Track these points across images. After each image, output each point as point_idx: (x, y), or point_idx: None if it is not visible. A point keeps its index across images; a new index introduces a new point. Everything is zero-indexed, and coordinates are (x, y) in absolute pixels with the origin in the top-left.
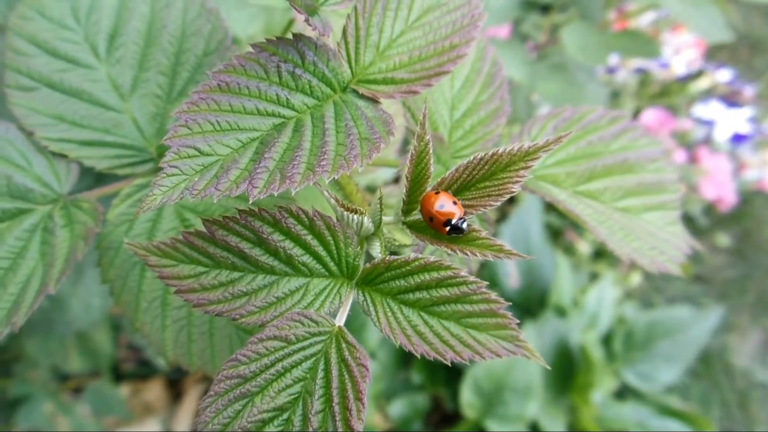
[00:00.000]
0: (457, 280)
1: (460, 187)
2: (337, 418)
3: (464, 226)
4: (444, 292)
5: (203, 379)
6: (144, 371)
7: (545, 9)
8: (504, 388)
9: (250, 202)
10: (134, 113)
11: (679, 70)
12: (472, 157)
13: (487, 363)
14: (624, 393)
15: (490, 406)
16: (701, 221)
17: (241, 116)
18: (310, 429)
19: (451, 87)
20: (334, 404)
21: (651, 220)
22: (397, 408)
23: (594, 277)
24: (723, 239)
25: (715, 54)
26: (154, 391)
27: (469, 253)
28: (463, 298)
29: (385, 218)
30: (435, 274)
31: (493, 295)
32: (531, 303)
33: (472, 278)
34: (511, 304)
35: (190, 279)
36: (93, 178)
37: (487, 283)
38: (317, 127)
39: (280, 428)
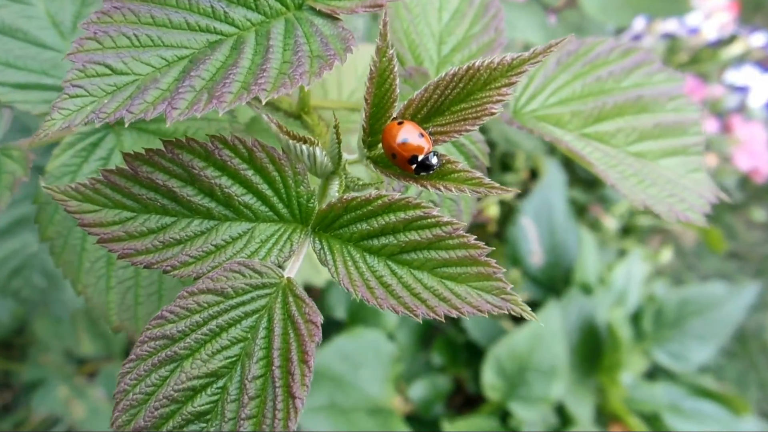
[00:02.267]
0: (429, 221)
1: (432, 110)
2: (278, 384)
3: (434, 161)
4: (414, 236)
5: None
6: None
7: None
8: (527, 369)
9: (168, 124)
10: None
11: (710, 35)
12: (443, 74)
13: (510, 342)
14: (655, 373)
15: (513, 388)
16: (736, 195)
17: (166, 30)
18: (246, 397)
19: (438, 19)
20: (274, 368)
21: (670, 166)
22: (418, 390)
23: (622, 254)
24: (759, 214)
25: (749, 17)
26: None
27: (442, 188)
28: (437, 242)
29: (349, 156)
30: (402, 215)
31: (473, 239)
32: (555, 281)
33: (446, 218)
34: (494, 249)
35: (114, 226)
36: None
37: (465, 224)
38: (260, 45)
39: (214, 398)
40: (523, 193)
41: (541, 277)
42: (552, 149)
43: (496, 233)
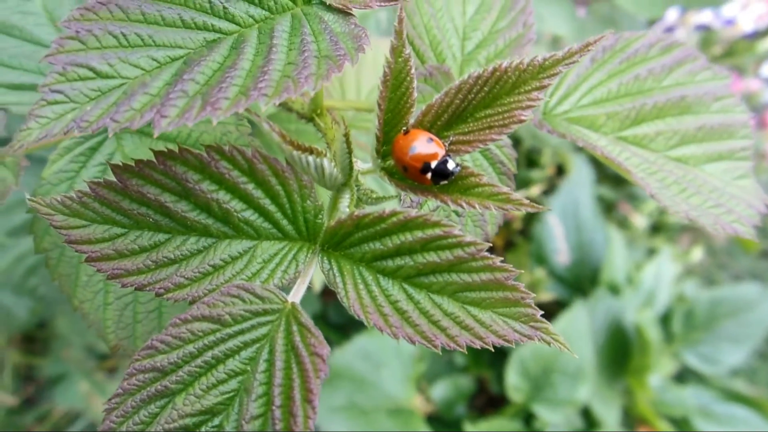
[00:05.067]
0: (450, 241)
1: (453, 117)
2: (278, 427)
3: (450, 166)
4: (432, 257)
5: None
6: None
7: None
8: (552, 371)
9: (156, 134)
10: None
11: (746, 26)
12: (466, 76)
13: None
14: (684, 376)
15: (537, 390)
16: None
17: (158, 29)
18: None
19: (462, 13)
20: (275, 407)
21: (714, 172)
22: (440, 390)
23: (651, 253)
24: None
25: None
26: None
27: (465, 204)
28: (458, 265)
29: (363, 165)
30: (420, 234)
31: (498, 261)
32: (582, 280)
33: (469, 238)
34: (521, 272)
35: (103, 243)
36: None
37: (489, 245)
38: (263, 44)
39: None
40: (550, 189)
41: (567, 276)
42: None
43: (521, 230)
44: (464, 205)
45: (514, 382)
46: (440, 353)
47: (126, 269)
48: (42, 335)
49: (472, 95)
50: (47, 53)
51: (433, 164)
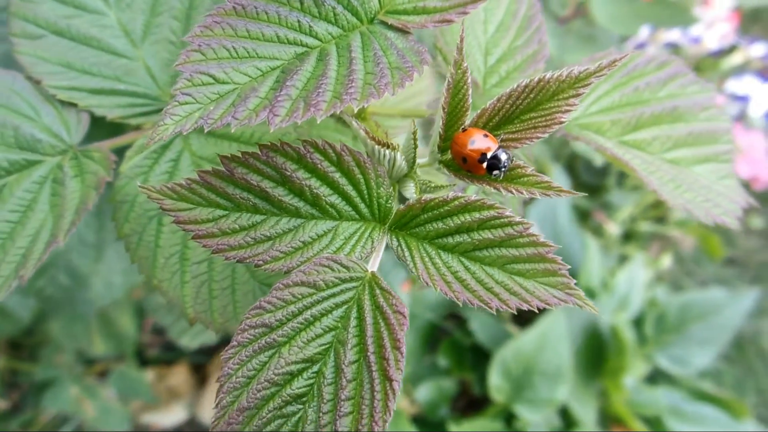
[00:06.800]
0: (502, 221)
1: (503, 119)
2: (374, 368)
3: (503, 157)
4: (487, 234)
5: None
6: (169, 356)
7: None
8: (533, 372)
9: (271, 130)
10: (147, 60)
11: (711, 44)
12: (515, 85)
13: (516, 345)
14: (656, 377)
15: (518, 390)
16: None
17: (259, 43)
18: (344, 380)
19: (484, 31)
20: (369, 353)
21: (702, 172)
22: (424, 392)
23: (623, 259)
24: (757, 221)
25: (748, 28)
26: (179, 376)
27: (514, 191)
28: (508, 241)
29: (419, 159)
30: (477, 215)
31: (541, 238)
32: None
33: (518, 218)
34: (561, 247)
35: (208, 223)
36: (107, 130)
37: (534, 223)
38: (343, 56)
39: (310, 381)
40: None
41: None
42: (557, 154)
43: None
44: (513, 191)
45: (496, 382)
46: (494, 313)
47: (229, 245)
48: (29, 341)
49: (520, 101)
50: (177, 62)
51: (489, 154)
